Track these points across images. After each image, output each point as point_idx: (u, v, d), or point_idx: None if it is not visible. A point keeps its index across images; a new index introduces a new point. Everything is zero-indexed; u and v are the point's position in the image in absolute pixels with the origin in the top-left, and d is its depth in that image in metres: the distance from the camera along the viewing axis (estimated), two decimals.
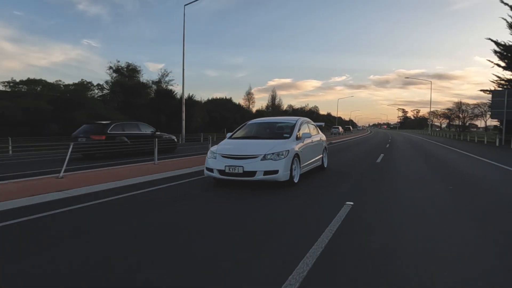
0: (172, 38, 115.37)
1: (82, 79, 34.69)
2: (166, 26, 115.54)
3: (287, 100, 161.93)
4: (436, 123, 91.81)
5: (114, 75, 37.40)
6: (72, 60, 77.53)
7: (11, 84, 28.81)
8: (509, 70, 31.17)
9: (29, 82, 29.66)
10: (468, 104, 66.13)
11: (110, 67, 37.33)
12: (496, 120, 32.70)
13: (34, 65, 68.95)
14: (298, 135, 7.49)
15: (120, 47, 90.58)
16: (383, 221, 4.40)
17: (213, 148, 7.08)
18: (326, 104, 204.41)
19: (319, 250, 3.24)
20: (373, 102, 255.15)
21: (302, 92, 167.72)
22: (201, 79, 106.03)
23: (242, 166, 6.32)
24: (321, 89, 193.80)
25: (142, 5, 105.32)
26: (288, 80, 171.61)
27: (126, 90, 33.61)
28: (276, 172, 6.31)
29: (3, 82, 28.68)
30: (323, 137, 9.65)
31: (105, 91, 35.74)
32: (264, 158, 6.36)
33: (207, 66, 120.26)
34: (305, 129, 8.09)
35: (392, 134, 55.77)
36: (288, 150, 6.59)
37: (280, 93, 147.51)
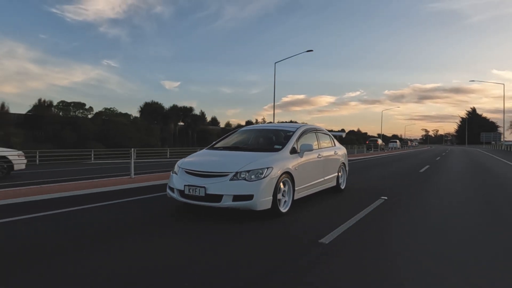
0: (188, 56, 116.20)
1: None
2: (183, 45, 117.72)
3: (301, 116, 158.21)
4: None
5: None
6: (92, 79, 79.85)
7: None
8: None
9: None
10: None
11: None
12: None
13: (56, 84, 72.20)
14: (296, 148, 5.60)
15: (138, 66, 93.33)
16: None
17: (180, 161, 5.44)
18: (341, 119, 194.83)
19: None
20: (389, 117, 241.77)
21: (316, 107, 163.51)
22: (216, 96, 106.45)
23: (204, 187, 4.50)
24: (335, 104, 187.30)
25: (160, 26, 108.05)
26: (301, 96, 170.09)
27: None
28: (250, 197, 4.42)
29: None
30: (341, 151, 7.51)
31: None
32: (236, 177, 4.50)
33: (222, 83, 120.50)
34: (309, 140, 6.07)
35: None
36: (271, 168, 4.67)
37: (294, 109, 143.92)
